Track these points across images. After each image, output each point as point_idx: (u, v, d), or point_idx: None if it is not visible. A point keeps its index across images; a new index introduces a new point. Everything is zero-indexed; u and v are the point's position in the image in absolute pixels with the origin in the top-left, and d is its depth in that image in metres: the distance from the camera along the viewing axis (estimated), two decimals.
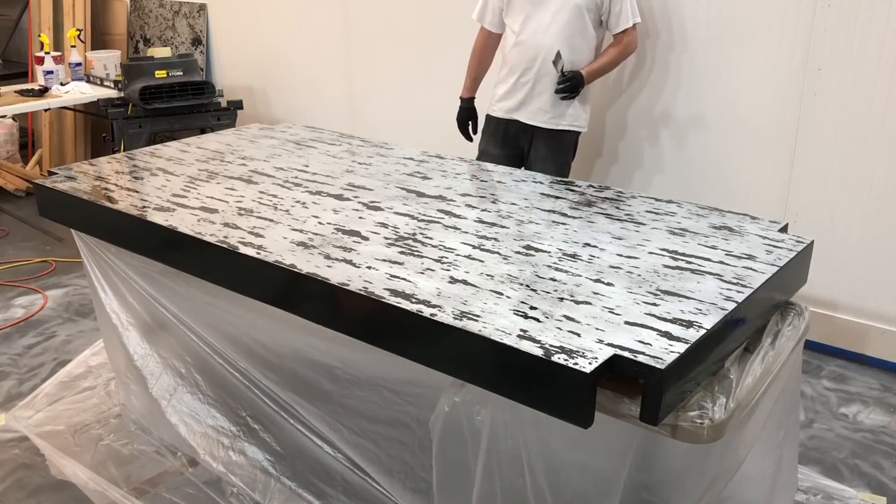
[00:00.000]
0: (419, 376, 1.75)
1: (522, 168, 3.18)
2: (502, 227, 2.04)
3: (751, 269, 1.77)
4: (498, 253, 1.86)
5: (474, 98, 3.40)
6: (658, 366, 1.36)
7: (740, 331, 1.65)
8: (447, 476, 1.74)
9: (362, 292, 1.66)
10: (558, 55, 3.04)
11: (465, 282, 1.70)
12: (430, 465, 1.77)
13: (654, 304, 1.60)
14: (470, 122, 3.40)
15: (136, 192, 2.33)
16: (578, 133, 3.28)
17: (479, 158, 3.22)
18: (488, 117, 3.36)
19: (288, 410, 2.16)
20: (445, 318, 1.54)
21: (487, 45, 3.35)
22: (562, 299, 1.62)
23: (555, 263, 1.80)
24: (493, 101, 3.33)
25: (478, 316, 1.55)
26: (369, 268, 1.77)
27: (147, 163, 2.63)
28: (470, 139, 3.43)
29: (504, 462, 1.60)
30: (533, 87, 3.14)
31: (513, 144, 3.29)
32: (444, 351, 1.56)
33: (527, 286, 1.68)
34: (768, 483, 1.98)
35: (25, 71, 5.81)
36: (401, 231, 2.00)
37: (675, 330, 1.49)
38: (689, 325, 1.51)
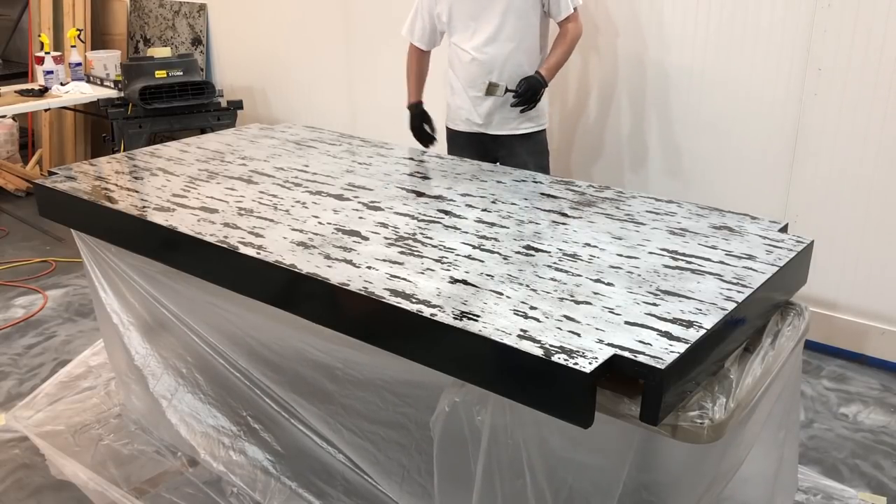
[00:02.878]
0: (419, 378, 1.75)
1: None
2: (502, 227, 2.04)
3: (751, 269, 1.77)
4: (498, 253, 1.86)
5: (422, 102, 3.29)
6: (658, 366, 1.36)
7: (740, 331, 1.65)
8: (447, 476, 1.75)
9: (362, 292, 1.66)
10: (491, 85, 2.98)
11: (465, 282, 1.70)
12: (428, 468, 1.78)
13: (654, 304, 1.60)
14: (425, 125, 3.26)
15: (136, 192, 2.33)
16: (544, 130, 3.25)
17: None
18: (453, 132, 3.28)
19: (288, 410, 2.16)
20: (445, 318, 1.54)
21: (422, 57, 3.27)
22: (562, 299, 1.62)
23: (555, 263, 1.80)
24: (452, 116, 3.25)
25: (478, 316, 1.55)
26: (369, 268, 1.77)
27: (147, 163, 2.63)
28: (430, 142, 3.27)
29: (504, 462, 1.60)
30: (495, 100, 3.08)
31: (483, 155, 3.18)
32: (444, 351, 1.56)
33: (527, 286, 1.68)
34: (768, 483, 1.98)
35: (25, 71, 5.82)
36: (401, 231, 2.00)
37: (675, 330, 1.49)
38: (689, 325, 1.51)
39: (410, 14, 3.23)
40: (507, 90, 3.00)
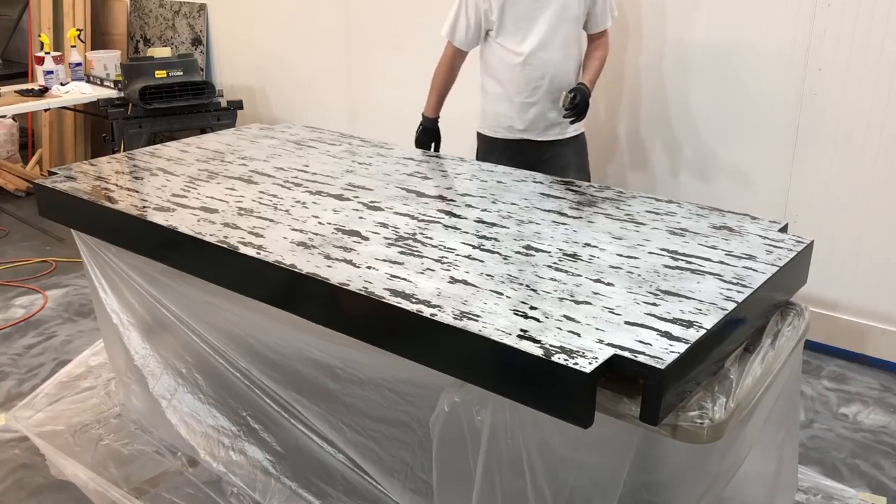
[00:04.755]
0: (421, 376, 1.75)
1: None
2: (502, 227, 2.04)
3: (751, 269, 1.77)
4: (498, 253, 1.86)
5: (439, 118, 3.21)
6: (658, 366, 1.36)
7: (740, 331, 1.65)
8: (447, 476, 1.75)
9: (362, 292, 1.66)
10: (565, 96, 2.92)
11: (465, 282, 1.70)
12: (430, 465, 1.78)
13: (655, 304, 1.60)
14: (433, 144, 3.21)
15: (136, 192, 2.33)
16: (584, 132, 3.20)
17: None
18: (489, 139, 3.17)
19: (288, 410, 2.16)
20: (445, 318, 1.54)
21: (455, 64, 3.18)
22: (562, 299, 1.62)
23: (555, 263, 1.80)
24: (490, 123, 3.15)
25: (478, 316, 1.55)
26: (369, 268, 1.77)
27: (147, 163, 2.63)
28: None
29: (504, 462, 1.60)
30: (543, 104, 3.02)
31: (520, 162, 3.08)
32: (444, 351, 1.56)
33: (527, 286, 1.68)
34: (768, 483, 1.98)
35: (25, 71, 5.81)
36: (401, 231, 2.00)
37: (675, 330, 1.49)
38: (689, 325, 1.51)
39: (452, 12, 3.10)
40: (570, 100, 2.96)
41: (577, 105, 2.94)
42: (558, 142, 3.12)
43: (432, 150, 3.22)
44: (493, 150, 3.17)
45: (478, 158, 3.20)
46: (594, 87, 3.07)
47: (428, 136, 3.22)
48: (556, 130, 3.10)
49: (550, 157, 3.13)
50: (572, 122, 3.03)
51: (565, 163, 3.11)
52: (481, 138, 3.22)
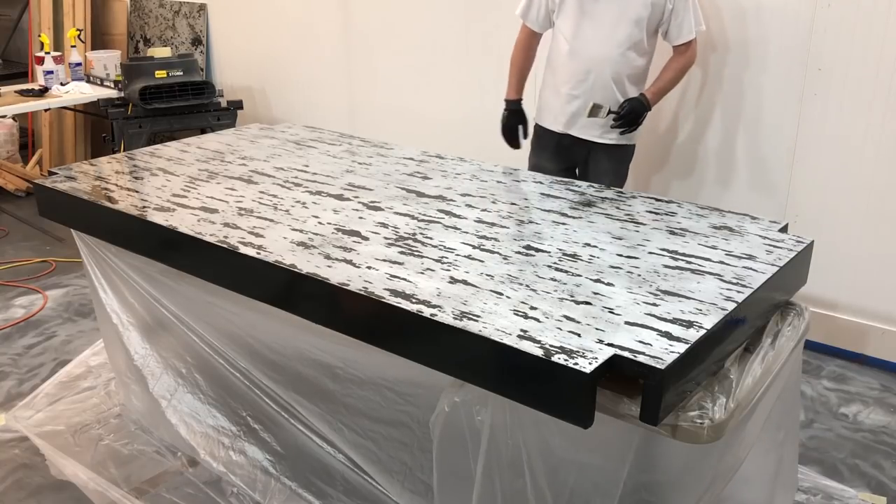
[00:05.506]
0: (421, 376, 1.75)
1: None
2: (502, 227, 2.04)
3: (751, 269, 1.77)
4: (498, 253, 1.86)
5: (522, 100, 3.13)
6: (658, 366, 1.36)
7: (740, 331, 1.65)
8: (447, 476, 1.75)
9: (362, 292, 1.66)
10: (595, 107, 2.86)
11: (465, 282, 1.70)
12: (430, 466, 1.78)
13: (655, 305, 1.60)
14: (520, 127, 3.12)
15: (136, 192, 2.33)
16: (634, 145, 3.13)
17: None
18: (540, 129, 3.13)
19: (288, 410, 2.16)
20: (445, 318, 1.54)
21: (531, 44, 3.10)
22: (562, 299, 1.62)
23: (555, 263, 1.80)
24: (540, 110, 3.13)
25: (478, 316, 1.55)
26: (369, 268, 1.77)
27: (147, 163, 2.63)
28: (517, 146, 3.14)
29: (504, 462, 1.60)
30: (586, 100, 2.94)
31: (566, 157, 3.10)
32: (444, 351, 1.56)
33: (527, 286, 1.68)
34: (768, 483, 1.98)
35: (25, 71, 5.81)
36: (401, 231, 2.00)
37: (675, 330, 1.49)
38: (689, 325, 1.51)
39: None
40: (609, 111, 2.90)
41: (625, 116, 2.89)
42: (599, 146, 3.05)
43: (521, 135, 3.12)
44: (543, 141, 3.14)
45: (531, 149, 3.18)
46: (658, 100, 3.00)
47: (513, 118, 3.11)
48: (596, 132, 3.03)
49: (589, 160, 3.09)
50: (622, 133, 2.98)
51: (602, 168, 3.06)
52: (536, 129, 3.18)
